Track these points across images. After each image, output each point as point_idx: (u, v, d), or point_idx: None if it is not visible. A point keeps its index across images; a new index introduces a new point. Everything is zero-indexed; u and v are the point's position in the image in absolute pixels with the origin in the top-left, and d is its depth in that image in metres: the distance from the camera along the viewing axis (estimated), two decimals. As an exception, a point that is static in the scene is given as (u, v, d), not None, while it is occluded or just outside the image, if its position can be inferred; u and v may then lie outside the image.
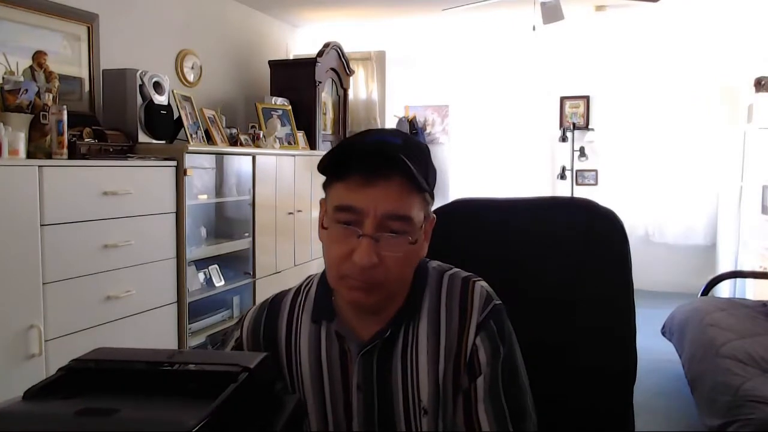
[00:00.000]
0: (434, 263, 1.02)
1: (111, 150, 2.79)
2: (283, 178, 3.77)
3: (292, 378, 0.99)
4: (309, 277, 1.07)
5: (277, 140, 3.89)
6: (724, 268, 4.94)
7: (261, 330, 1.01)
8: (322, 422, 0.97)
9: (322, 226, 0.94)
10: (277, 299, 1.05)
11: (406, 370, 0.94)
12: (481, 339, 0.93)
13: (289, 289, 1.06)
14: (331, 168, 0.91)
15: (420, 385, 0.93)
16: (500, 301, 0.97)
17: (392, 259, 0.88)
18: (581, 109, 6.05)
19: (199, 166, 3.25)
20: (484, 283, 0.98)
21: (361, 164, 0.87)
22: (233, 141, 3.56)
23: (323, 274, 1.00)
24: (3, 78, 2.48)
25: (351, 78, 4.90)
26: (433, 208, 1.02)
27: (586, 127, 6.04)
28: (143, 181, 2.70)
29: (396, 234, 0.88)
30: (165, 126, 3.11)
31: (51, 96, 2.53)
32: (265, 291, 3.58)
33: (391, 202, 0.87)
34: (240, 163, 3.49)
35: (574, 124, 6.00)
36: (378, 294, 0.91)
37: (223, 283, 3.36)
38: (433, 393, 0.92)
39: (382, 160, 0.87)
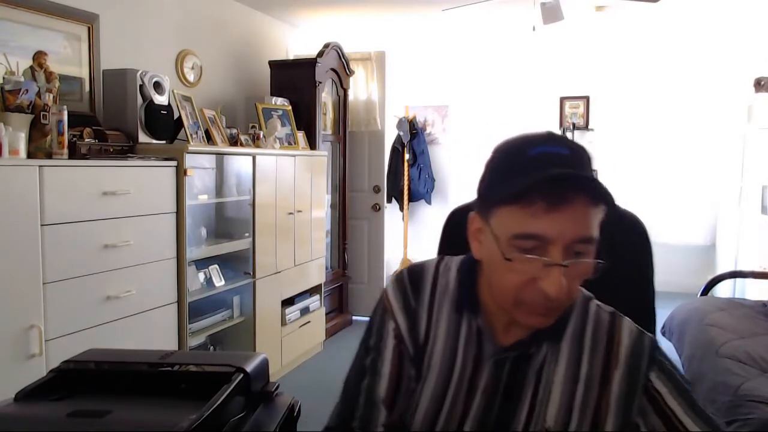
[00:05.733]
0: None
1: (111, 150, 2.80)
2: (283, 179, 3.77)
3: (421, 361, 0.97)
4: (441, 258, 1.03)
5: (277, 140, 3.89)
6: (723, 268, 4.93)
7: (411, 306, 0.99)
8: (434, 413, 0.95)
9: (477, 241, 0.91)
10: (416, 273, 1.01)
11: (538, 386, 0.92)
12: (657, 375, 0.90)
13: (422, 265, 1.02)
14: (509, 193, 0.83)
15: (550, 404, 0.91)
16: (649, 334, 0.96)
17: (577, 283, 0.86)
18: (581, 110, 6.05)
19: (200, 166, 3.25)
20: (628, 319, 0.96)
21: (545, 190, 0.80)
22: (233, 141, 3.56)
23: (464, 262, 0.99)
24: (3, 78, 2.48)
25: (351, 78, 4.90)
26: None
27: (585, 127, 6.03)
28: (143, 181, 2.71)
29: (581, 255, 0.83)
30: (165, 126, 3.11)
31: (51, 96, 2.53)
32: (265, 291, 3.59)
33: (578, 226, 0.82)
34: (240, 163, 3.49)
35: (573, 125, 5.99)
36: (556, 315, 0.88)
37: (223, 283, 3.36)
38: (563, 416, 0.90)
39: (568, 185, 0.81)
